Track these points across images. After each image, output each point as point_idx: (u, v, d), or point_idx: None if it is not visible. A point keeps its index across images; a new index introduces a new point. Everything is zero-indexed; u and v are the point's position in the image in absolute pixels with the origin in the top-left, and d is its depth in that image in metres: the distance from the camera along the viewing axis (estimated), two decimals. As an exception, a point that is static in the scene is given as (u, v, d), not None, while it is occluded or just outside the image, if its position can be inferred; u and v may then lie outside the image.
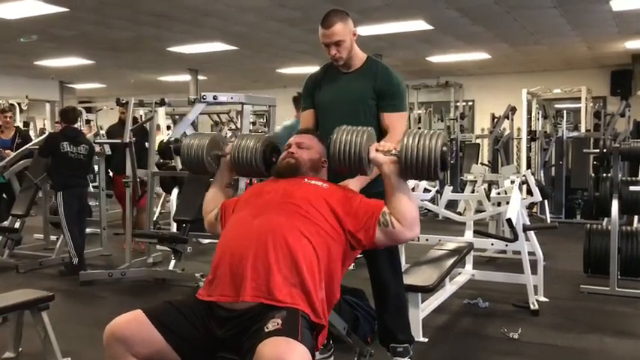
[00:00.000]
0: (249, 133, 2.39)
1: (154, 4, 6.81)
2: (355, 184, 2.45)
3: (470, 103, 13.25)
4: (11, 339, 3.13)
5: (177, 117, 10.41)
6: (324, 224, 2.04)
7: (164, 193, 7.61)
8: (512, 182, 5.37)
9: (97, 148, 6.01)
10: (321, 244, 2.00)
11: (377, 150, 2.09)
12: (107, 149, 6.20)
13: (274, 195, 2.15)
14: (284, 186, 2.19)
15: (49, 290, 2.96)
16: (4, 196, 6.50)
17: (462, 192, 7.60)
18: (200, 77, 12.48)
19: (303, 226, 2.01)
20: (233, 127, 10.44)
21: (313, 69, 3.11)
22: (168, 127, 10.57)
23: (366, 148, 2.08)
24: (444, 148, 1.98)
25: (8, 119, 6.76)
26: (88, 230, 7.28)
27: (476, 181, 7.24)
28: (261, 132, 9.69)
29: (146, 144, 5.66)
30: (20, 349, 3.19)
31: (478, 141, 10.54)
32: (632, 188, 4.69)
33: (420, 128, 10.74)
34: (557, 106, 11.36)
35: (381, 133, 2.70)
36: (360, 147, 2.07)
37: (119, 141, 5.40)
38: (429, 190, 5.30)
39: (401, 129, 2.60)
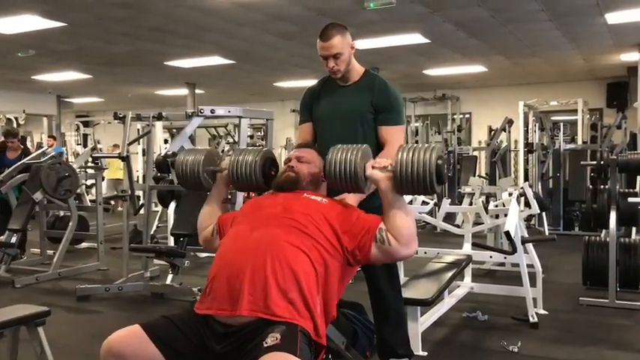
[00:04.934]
0: (246, 148, 2.38)
1: (151, 19, 6.84)
2: (353, 198, 2.43)
3: (467, 116, 13.30)
4: (7, 355, 3.10)
5: (174, 131, 10.43)
6: (322, 240, 2.03)
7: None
8: (510, 194, 5.36)
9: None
10: (318, 259, 1.99)
11: (373, 167, 2.09)
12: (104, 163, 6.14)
13: (273, 209, 2.14)
14: (283, 200, 2.19)
15: (46, 305, 2.93)
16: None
17: (460, 204, 7.60)
18: (198, 91, 12.51)
19: (301, 241, 2.00)
20: (231, 140, 10.45)
21: (310, 82, 3.12)
22: (166, 141, 10.57)
23: (362, 165, 2.08)
24: (439, 162, 1.97)
25: (9, 144, 6.90)
26: (85, 244, 7.31)
27: (474, 194, 7.23)
28: (259, 145, 9.72)
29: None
30: (16, 365, 3.17)
31: (475, 153, 10.56)
32: (630, 200, 4.69)
33: (417, 141, 10.88)
34: (553, 118, 11.40)
35: (379, 147, 2.70)
36: (356, 165, 2.06)
37: (116, 154, 5.38)
38: (427, 203, 5.30)
39: (398, 142, 2.60)
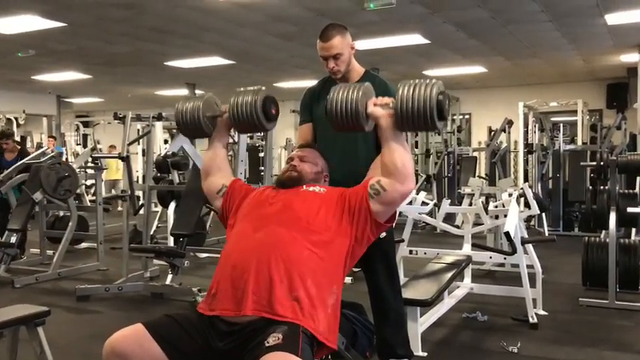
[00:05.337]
0: (246, 89, 2.37)
1: (151, 19, 6.83)
2: None
3: (467, 117, 13.30)
4: (7, 355, 3.10)
5: (174, 131, 10.42)
6: (326, 231, 2.05)
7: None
8: (510, 195, 5.36)
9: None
10: (323, 252, 2.01)
11: (375, 104, 2.10)
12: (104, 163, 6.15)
13: (275, 207, 2.16)
14: (283, 196, 2.20)
15: (46, 305, 2.93)
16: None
17: (460, 205, 7.60)
18: (197, 91, 12.50)
19: (305, 237, 2.01)
20: (230, 140, 10.44)
21: (310, 83, 3.12)
22: (166, 141, 10.57)
23: (363, 102, 2.08)
24: (440, 97, 1.98)
25: (4, 145, 6.83)
26: (84, 245, 7.31)
27: (473, 194, 7.24)
28: (258, 146, 9.71)
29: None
30: (16, 366, 3.16)
31: (475, 154, 10.56)
32: (629, 210, 4.68)
33: (417, 141, 10.87)
34: (553, 119, 11.41)
35: (378, 147, 2.69)
36: (357, 102, 2.07)
37: (116, 155, 5.39)
38: (427, 204, 5.29)
39: None
